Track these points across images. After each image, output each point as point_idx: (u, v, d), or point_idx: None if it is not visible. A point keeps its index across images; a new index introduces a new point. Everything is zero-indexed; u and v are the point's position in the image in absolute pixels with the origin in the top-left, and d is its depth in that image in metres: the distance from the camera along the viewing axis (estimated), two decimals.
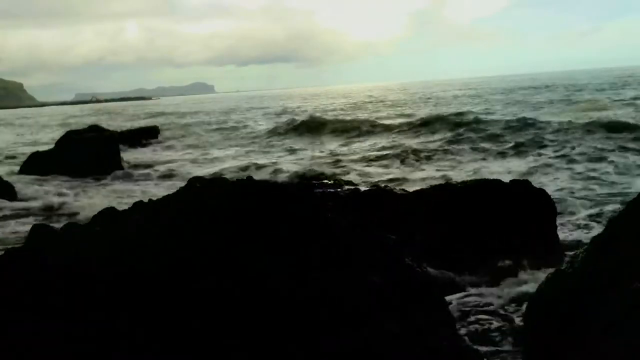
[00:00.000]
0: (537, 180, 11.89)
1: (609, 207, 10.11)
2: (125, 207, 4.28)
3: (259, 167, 18.86)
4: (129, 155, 23.91)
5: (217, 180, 4.33)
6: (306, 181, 11.79)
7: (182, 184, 4.37)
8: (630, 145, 17.38)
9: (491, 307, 6.20)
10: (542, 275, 6.51)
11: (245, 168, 18.87)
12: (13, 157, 25.67)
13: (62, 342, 3.26)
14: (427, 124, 26.73)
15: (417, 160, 18.33)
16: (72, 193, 16.28)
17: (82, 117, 66.10)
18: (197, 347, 3.26)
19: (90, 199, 15.00)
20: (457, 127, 23.93)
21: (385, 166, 17.96)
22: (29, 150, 24.50)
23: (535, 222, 8.29)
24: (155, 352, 3.23)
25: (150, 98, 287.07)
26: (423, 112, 37.42)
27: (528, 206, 8.35)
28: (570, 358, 3.33)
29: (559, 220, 8.78)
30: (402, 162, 18.27)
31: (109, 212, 4.23)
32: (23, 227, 11.19)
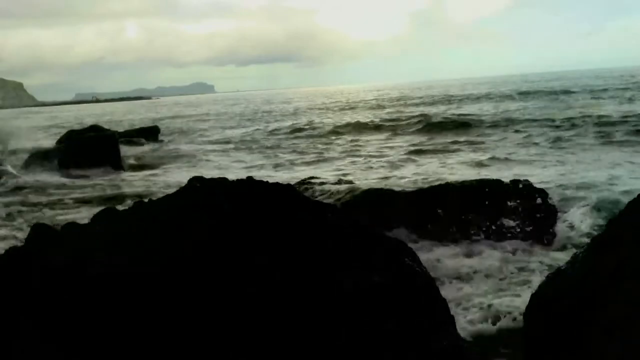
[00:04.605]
0: None
1: None
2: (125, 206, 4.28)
3: None
4: (130, 153, 24.00)
5: (217, 180, 4.33)
6: (307, 180, 11.81)
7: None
8: None
9: (491, 307, 6.20)
10: (542, 274, 6.54)
11: None
12: None
13: (62, 343, 3.26)
14: None
15: None
16: (72, 189, 16.42)
17: None
18: (199, 348, 3.26)
19: (89, 197, 15.11)
20: None
21: None
22: None
23: (536, 220, 8.31)
24: (157, 354, 3.23)
25: (149, 98, 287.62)
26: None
27: (528, 205, 8.37)
28: (570, 358, 3.33)
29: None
30: None
31: (109, 212, 4.23)
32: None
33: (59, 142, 22.51)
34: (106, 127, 25.55)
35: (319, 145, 25.46)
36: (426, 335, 3.51)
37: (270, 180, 4.33)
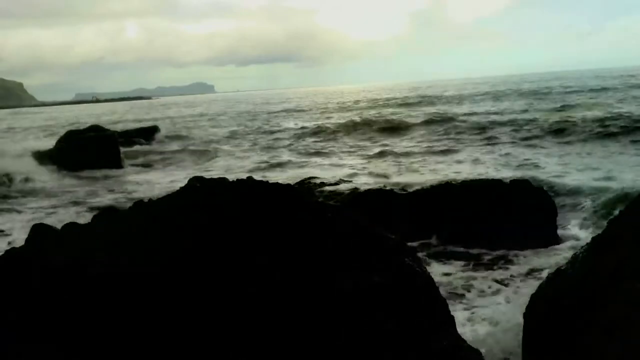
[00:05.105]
0: None
1: None
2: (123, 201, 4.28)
3: None
4: (129, 153, 24.02)
5: (217, 180, 4.32)
6: (307, 180, 11.81)
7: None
8: None
9: (492, 306, 6.20)
10: (542, 274, 6.54)
11: None
12: None
13: (62, 343, 3.26)
14: None
15: None
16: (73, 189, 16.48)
17: None
18: (199, 347, 3.26)
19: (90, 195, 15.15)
20: None
21: None
22: None
23: (536, 220, 8.31)
24: (157, 354, 3.23)
25: (150, 98, 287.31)
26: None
27: (528, 205, 8.36)
28: (570, 357, 3.33)
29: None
30: None
31: (109, 212, 4.23)
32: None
33: (59, 142, 22.46)
34: (106, 127, 25.56)
35: (319, 145, 25.46)
36: (426, 335, 3.51)
37: (271, 180, 4.33)
